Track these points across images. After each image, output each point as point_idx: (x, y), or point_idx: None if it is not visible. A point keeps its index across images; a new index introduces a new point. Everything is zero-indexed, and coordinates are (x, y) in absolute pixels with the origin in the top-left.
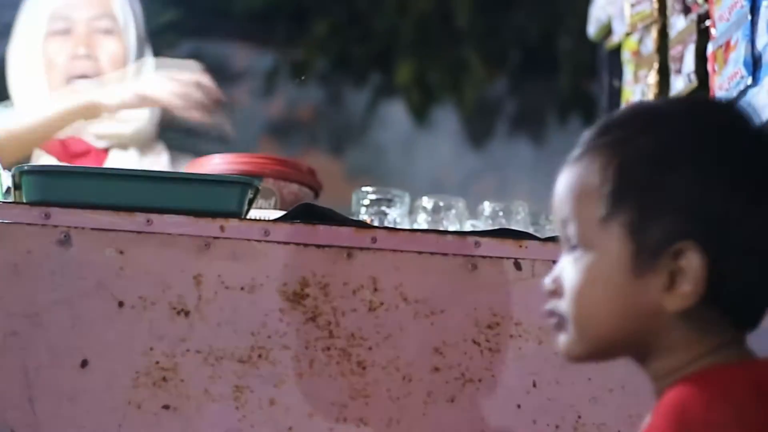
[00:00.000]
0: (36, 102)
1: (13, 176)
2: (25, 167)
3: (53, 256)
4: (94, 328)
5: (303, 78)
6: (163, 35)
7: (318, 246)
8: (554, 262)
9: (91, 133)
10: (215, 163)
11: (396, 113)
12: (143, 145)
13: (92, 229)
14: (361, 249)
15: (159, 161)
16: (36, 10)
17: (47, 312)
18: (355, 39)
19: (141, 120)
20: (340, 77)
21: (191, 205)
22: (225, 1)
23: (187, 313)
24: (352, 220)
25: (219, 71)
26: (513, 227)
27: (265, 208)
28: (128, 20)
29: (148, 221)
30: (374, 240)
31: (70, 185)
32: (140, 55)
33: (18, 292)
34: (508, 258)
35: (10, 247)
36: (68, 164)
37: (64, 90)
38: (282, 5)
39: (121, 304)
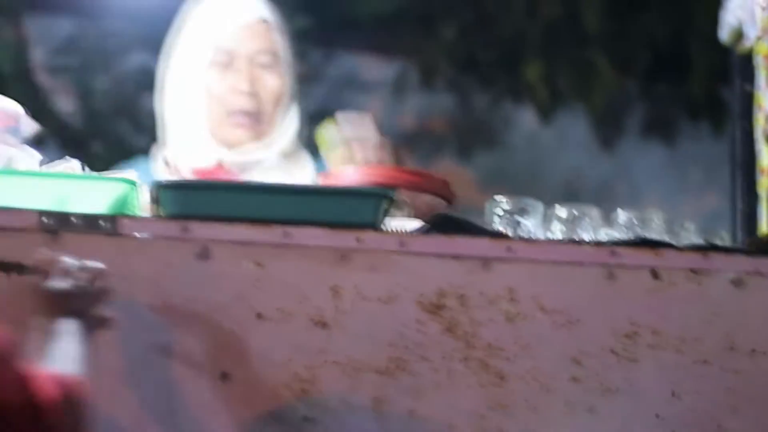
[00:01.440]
0: (195, 131)
1: (152, 191)
2: (164, 182)
3: (192, 268)
4: (234, 340)
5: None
6: (293, 45)
7: (455, 257)
8: (693, 270)
9: (236, 161)
10: (349, 175)
11: (524, 117)
12: (288, 160)
13: (230, 242)
14: (498, 259)
15: (304, 174)
16: (198, 38)
17: (188, 325)
18: (482, 43)
19: (285, 142)
20: (467, 81)
21: (328, 217)
22: (352, 9)
23: (325, 325)
24: (489, 230)
25: (349, 81)
26: (648, 235)
27: (400, 219)
28: (287, 56)
29: (285, 234)
30: (511, 250)
31: (208, 199)
32: (295, 91)
33: (159, 304)
34: (645, 267)
35: (150, 261)
36: (206, 179)
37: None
38: (408, 11)
39: (259, 315)
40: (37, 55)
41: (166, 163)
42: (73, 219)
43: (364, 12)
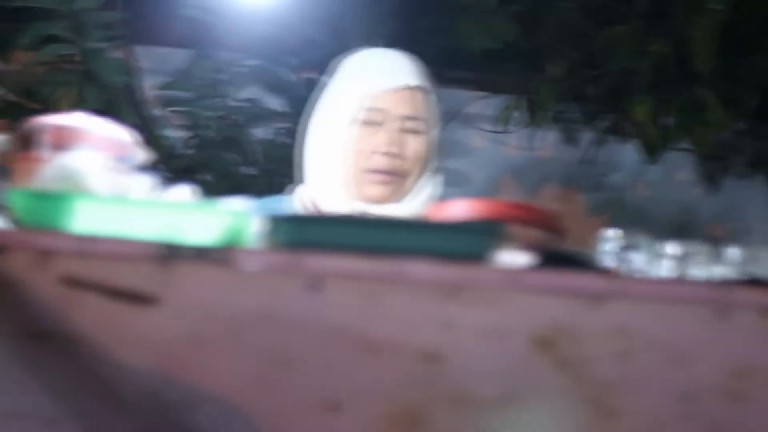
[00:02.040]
0: (334, 181)
1: (267, 223)
2: (276, 214)
3: (304, 300)
4: (345, 373)
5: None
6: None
7: (566, 292)
8: None
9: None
10: (458, 209)
11: (629, 154)
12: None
13: (342, 274)
14: (610, 296)
15: None
16: (349, 93)
17: (298, 356)
18: (589, 79)
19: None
20: (573, 117)
21: (439, 250)
22: (459, 44)
23: (435, 358)
24: (601, 266)
25: (454, 115)
26: (760, 274)
27: (510, 254)
28: (434, 123)
29: (396, 266)
30: (622, 287)
31: (320, 231)
32: (437, 156)
33: (269, 335)
34: (758, 306)
35: (262, 293)
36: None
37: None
38: (515, 47)
39: (371, 348)
40: (150, 85)
41: (304, 204)
42: (184, 249)
43: (471, 48)
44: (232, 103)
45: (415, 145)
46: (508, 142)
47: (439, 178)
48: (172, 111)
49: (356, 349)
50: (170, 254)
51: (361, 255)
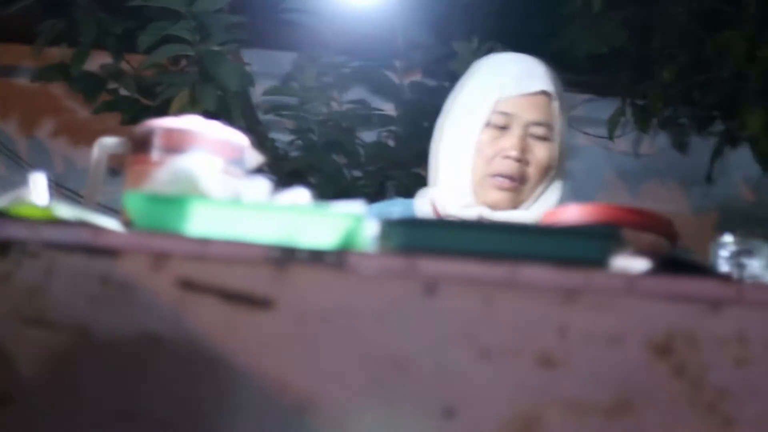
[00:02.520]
0: (459, 184)
1: (381, 226)
2: (393, 218)
3: (419, 304)
4: (460, 377)
5: None
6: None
7: (683, 298)
8: None
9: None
10: (572, 213)
11: (742, 160)
12: None
13: (457, 278)
14: (728, 302)
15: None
16: (480, 96)
17: (413, 360)
18: (699, 85)
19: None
20: (684, 123)
21: (555, 255)
22: (568, 49)
23: (550, 364)
24: (718, 272)
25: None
26: None
27: (625, 259)
28: (561, 131)
29: (512, 271)
30: (741, 293)
31: (435, 235)
32: (561, 164)
33: (384, 339)
34: None
35: (377, 296)
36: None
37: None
38: (625, 51)
39: (486, 353)
40: (258, 89)
41: (432, 204)
42: (299, 252)
43: (578, 52)
44: (338, 106)
45: (540, 152)
46: (613, 146)
47: (560, 185)
48: (278, 114)
49: (471, 354)
50: (285, 257)
51: (477, 259)
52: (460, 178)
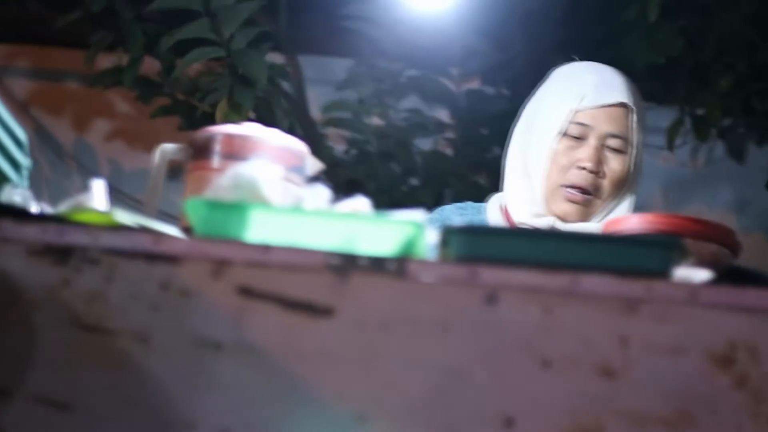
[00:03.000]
0: (531, 193)
1: (441, 234)
2: (453, 226)
3: (479, 314)
4: (519, 387)
5: None
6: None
7: (746, 309)
8: None
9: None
10: (633, 223)
11: None
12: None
13: (518, 287)
14: None
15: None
16: (556, 105)
17: (472, 369)
18: (758, 93)
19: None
20: (742, 132)
21: (616, 264)
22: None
23: (611, 374)
24: None
25: None
26: None
27: (686, 269)
28: (637, 144)
29: (573, 280)
30: None
31: (496, 244)
32: (635, 179)
33: (444, 348)
34: None
35: (437, 305)
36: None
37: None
38: (683, 61)
39: (546, 363)
40: (312, 95)
41: (504, 211)
42: (359, 260)
43: (635, 61)
44: (393, 114)
45: (615, 165)
46: (667, 155)
47: (632, 200)
48: (334, 125)
49: (531, 364)
50: (346, 265)
51: (537, 268)
52: (532, 186)
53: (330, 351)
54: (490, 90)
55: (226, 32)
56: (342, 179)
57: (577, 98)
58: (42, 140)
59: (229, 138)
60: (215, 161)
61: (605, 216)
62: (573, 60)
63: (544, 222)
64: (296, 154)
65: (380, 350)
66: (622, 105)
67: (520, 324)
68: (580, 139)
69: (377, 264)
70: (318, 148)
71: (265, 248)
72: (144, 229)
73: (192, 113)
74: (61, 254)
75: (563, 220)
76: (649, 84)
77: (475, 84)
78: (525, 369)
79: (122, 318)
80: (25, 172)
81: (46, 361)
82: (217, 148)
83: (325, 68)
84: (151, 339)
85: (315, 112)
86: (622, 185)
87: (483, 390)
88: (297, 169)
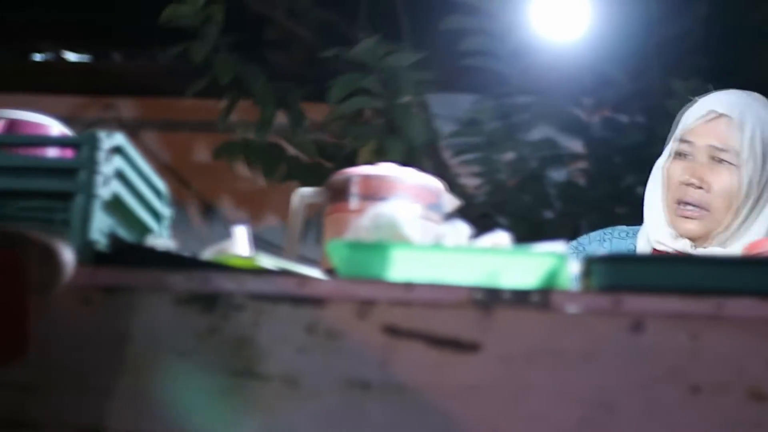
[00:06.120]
0: (657, 216)
1: (583, 265)
2: (594, 256)
3: (625, 342)
4: (669, 415)
5: None
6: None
7: None
8: None
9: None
10: None
11: None
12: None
13: (663, 314)
14: None
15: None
16: (675, 129)
17: (620, 399)
18: None
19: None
20: None
21: (761, 287)
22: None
23: (763, 398)
24: None
25: None
26: None
27: None
28: (753, 156)
29: (719, 305)
30: None
31: (640, 271)
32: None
33: (591, 379)
34: None
35: (582, 335)
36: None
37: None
38: None
39: (695, 389)
40: (442, 132)
41: (646, 239)
42: (503, 293)
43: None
44: (525, 146)
45: (723, 178)
46: None
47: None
48: (462, 157)
49: (680, 391)
50: (489, 299)
51: (682, 294)
52: (655, 210)
53: (477, 386)
54: (624, 119)
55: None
56: (475, 214)
57: (685, 118)
58: (175, 189)
59: (367, 179)
60: (353, 203)
61: (738, 233)
62: (711, 89)
63: (679, 245)
64: (433, 192)
65: (527, 383)
66: (724, 116)
67: (667, 351)
68: (687, 155)
69: (521, 297)
70: (451, 185)
71: (409, 286)
72: (288, 273)
73: (313, 175)
74: (208, 301)
75: (685, 238)
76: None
77: (605, 113)
78: (674, 396)
79: (271, 362)
80: (165, 222)
81: (196, 408)
82: (355, 189)
83: (449, 105)
84: (301, 382)
85: (444, 148)
86: (735, 198)
87: (632, 419)
88: (435, 206)
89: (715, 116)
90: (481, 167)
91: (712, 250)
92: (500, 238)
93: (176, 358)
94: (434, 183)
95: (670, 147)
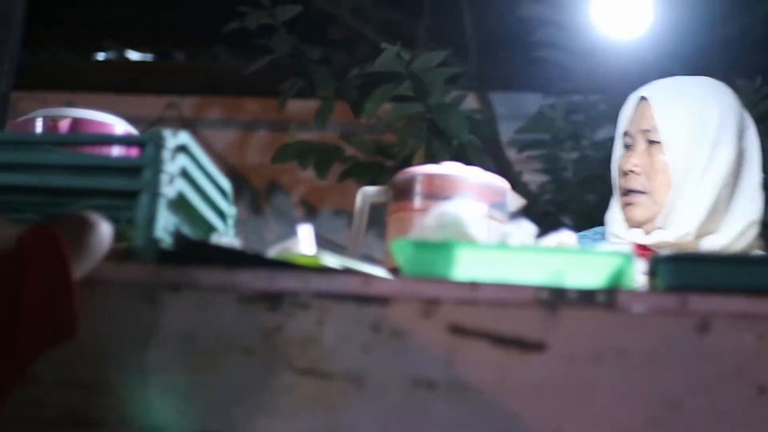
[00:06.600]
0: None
1: (649, 264)
2: (661, 254)
3: (691, 342)
4: (736, 415)
5: None
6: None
7: None
8: None
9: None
10: None
11: None
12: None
13: (730, 314)
14: None
15: None
16: (620, 127)
17: (686, 399)
18: None
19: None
20: None
21: None
22: None
23: None
24: None
25: None
26: None
27: None
28: (678, 132)
29: None
30: None
31: (705, 271)
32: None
33: (656, 378)
34: None
35: (648, 335)
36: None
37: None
38: None
39: (762, 389)
40: (504, 132)
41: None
42: (569, 293)
43: None
44: (590, 144)
45: (657, 158)
46: None
47: (747, 198)
48: (529, 153)
49: (747, 391)
50: (555, 299)
51: (749, 294)
52: (613, 206)
53: (542, 386)
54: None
55: (426, 91)
56: (538, 213)
57: (622, 112)
58: (237, 188)
59: (431, 178)
60: (417, 202)
61: (678, 219)
62: None
63: (630, 238)
64: (498, 191)
65: (593, 383)
66: (643, 99)
67: (734, 351)
68: (629, 146)
69: (587, 296)
70: (515, 183)
71: (474, 285)
72: (352, 272)
73: (371, 173)
74: (273, 300)
75: (632, 225)
76: None
77: None
78: (740, 396)
79: (336, 361)
80: (230, 221)
81: (261, 406)
82: (419, 188)
83: (514, 104)
84: (365, 380)
85: (508, 147)
86: (669, 176)
87: (699, 419)
88: (499, 205)
89: (641, 101)
90: (545, 165)
91: (656, 233)
92: (565, 237)
93: (241, 357)
94: (499, 182)
95: (617, 143)
